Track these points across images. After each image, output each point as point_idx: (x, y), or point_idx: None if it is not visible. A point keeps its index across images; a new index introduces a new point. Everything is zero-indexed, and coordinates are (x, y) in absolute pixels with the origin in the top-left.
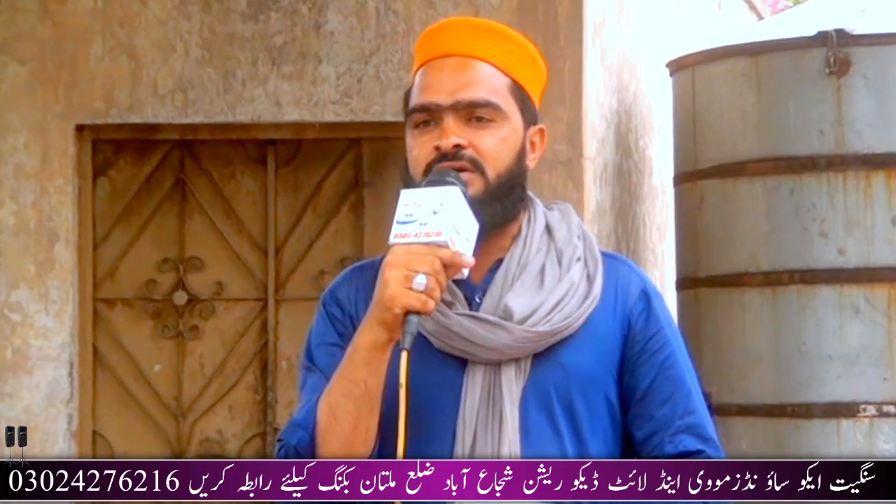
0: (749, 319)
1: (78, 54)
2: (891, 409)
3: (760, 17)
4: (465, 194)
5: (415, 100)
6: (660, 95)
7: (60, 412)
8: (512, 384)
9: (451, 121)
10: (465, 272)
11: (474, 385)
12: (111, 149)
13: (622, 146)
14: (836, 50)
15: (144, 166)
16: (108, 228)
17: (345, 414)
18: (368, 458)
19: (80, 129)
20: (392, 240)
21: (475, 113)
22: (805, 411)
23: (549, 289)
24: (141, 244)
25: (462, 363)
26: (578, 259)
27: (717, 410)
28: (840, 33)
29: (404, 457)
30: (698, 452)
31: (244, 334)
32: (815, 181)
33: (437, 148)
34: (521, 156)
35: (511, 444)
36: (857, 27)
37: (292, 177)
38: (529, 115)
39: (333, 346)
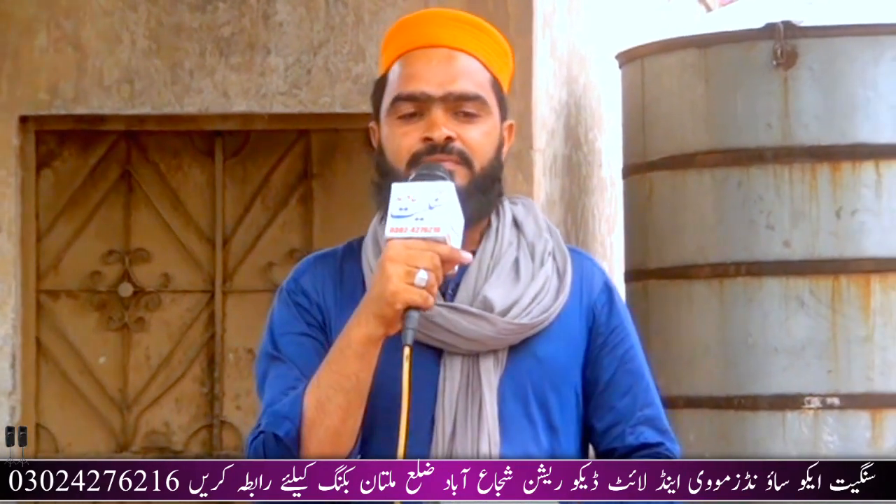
0: (696, 311)
1: (22, 45)
2: (835, 401)
3: (709, 9)
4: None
5: (399, 89)
6: (609, 87)
7: (2, 405)
8: (490, 375)
9: (440, 112)
10: (456, 269)
11: (452, 375)
12: (55, 140)
13: (572, 138)
14: (784, 42)
15: (90, 158)
16: (52, 220)
17: (335, 407)
18: (351, 449)
19: (23, 120)
20: (388, 234)
21: (463, 106)
22: (751, 403)
23: (526, 282)
24: (86, 236)
25: (437, 354)
26: (549, 253)
27: (664, 403)
28: (787, 25)
29: (406, 445)
30: (658, 444)
31: (191, 326)
32: (762, 173)
33: (427, 139)
34: (500, 150)
35: (491, 434)
36: (805, 19)
37: (240, 168)
38: (504, 110)
39: (302, 336)
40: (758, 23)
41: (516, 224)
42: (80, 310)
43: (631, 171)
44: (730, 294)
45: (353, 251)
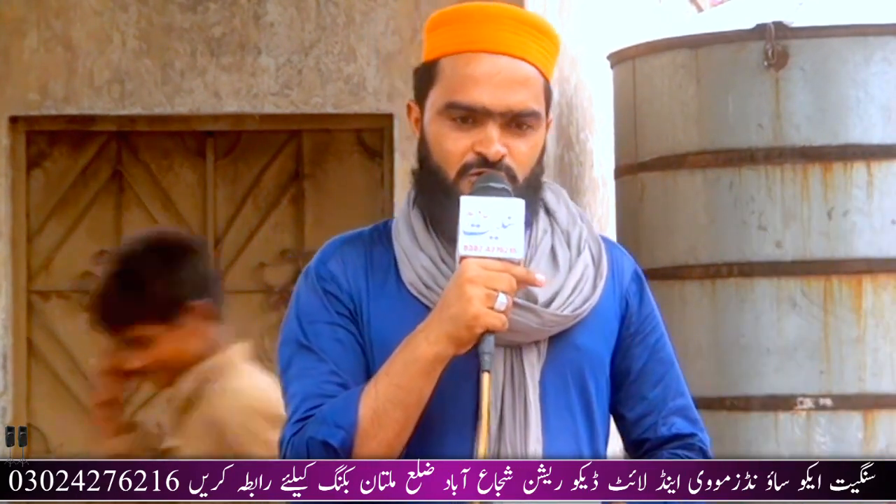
0: (689, 312)
1: (12, 45)
2: (827, 401)
3: (700, 10)
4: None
5: (457, 94)
6: (601, 88)
7: None
8: (534, 367)
9: (496, 127)
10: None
11: (495, 367)
12: (46, 140)
13: (564, 138)
14: (775, 42)
15: (80, 158)
16: (43, 220)
17: (391, 421)
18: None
19: (13, 120)
20: (462, 251)
21: (518, 120)
22: (743, 404)
23: (565, 272)
24: (77, 236)
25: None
26: (585, 241)
27: None
28: (778, 26)
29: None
30: (691, 435)
31: None
32: (753, 174)
33: (480, 153)
34: (543, 154)
35: (536, 426)
36: (795, 20)
37: (231, 168)
38: (549, 111)
39: (333, 326)
40: (749, 23)
41: (547, 211)
42: (71, 310)
43: (622, 171)
44: (722, 295)
45: (380, 235)
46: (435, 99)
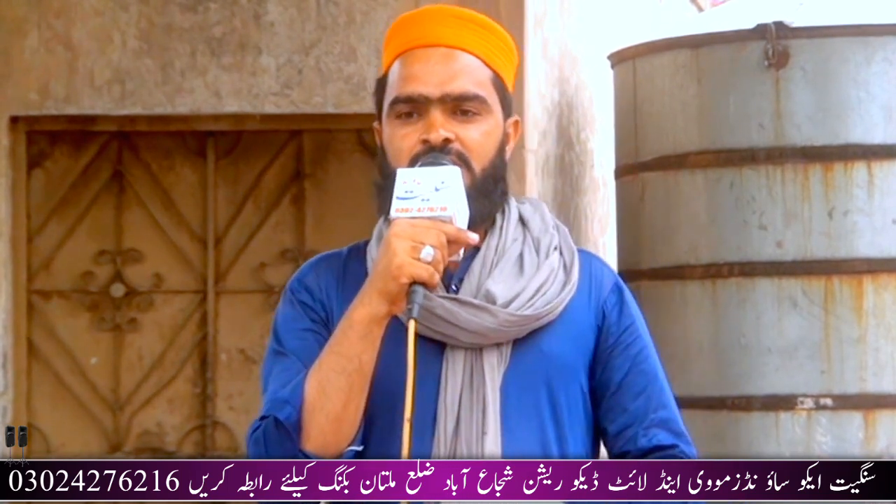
0: (690, 312)
1: (13, 45)
2: (827, 401)
3: (701, 10)
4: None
5: (398, 90)
6: (601, 87)
7: None
8: (494, 370)
9: (438, 114)
10: (461, 254)
11: (455, 369)
12: (46, 140)
13: (564, 138)
14: (775, 42)
15: (81, 158)
16: (44, 220)
17: (335, 390)
18: (354, 437)
19: (14, 120)
20: (393, 213)
21: (462, 106)
22: (744, 404)
23: (529, 275)
24: (77, 236)
25: (439, 348)
26: (555, 248)
27: None
28: (779, 26)
29: (411, 436)
30: (672, 447)
31: (183, 326)
32: (754, 174)
33: (425, 141)
34: (502, 148)
35: (494, 429)
36: (796, 20)
37: (232, 168)
38: (507, 107)
39: (305, 331)
40: (749, 23)
41: (522, 221)
42: (71, 310)
43: (623, 171)
44: (723, 295)
45: (357, 252)
46: (385, 105)
